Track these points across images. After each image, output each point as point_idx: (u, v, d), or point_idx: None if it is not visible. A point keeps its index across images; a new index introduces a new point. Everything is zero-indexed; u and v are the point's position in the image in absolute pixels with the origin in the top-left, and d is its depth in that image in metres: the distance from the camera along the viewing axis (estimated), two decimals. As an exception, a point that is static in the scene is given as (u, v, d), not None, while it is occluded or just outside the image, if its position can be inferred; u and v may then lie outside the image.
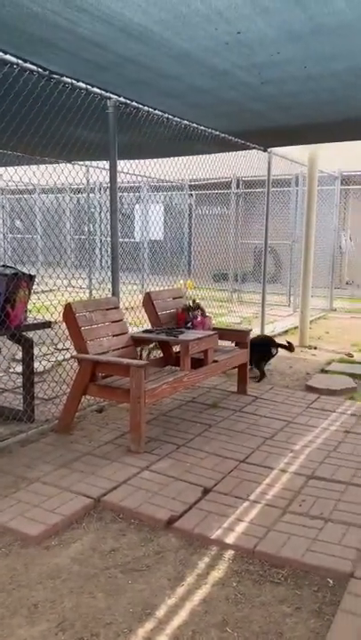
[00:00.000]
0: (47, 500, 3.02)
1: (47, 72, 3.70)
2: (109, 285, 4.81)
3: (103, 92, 4.18)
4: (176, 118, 5.04)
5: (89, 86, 4.04)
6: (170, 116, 4.94)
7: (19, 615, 2.20)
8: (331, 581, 2.40)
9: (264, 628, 2.14)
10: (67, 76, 3.84)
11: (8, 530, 2.75)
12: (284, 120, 5.31)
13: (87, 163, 9.45)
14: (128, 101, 4.41)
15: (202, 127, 5.49)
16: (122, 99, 4.34)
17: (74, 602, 2.28)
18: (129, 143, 5.11)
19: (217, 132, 5.79)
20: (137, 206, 13.38)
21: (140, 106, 4.57)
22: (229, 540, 2.67)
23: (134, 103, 4.50)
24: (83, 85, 4.00)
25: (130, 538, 2.75)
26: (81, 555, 2.61)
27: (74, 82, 3.92)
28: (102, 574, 2.47)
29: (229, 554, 2.61)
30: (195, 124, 5.34)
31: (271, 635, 2.10)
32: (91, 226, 12.66)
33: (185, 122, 5.19)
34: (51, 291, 9.36)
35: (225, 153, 7.70)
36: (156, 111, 4.78)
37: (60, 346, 6.09)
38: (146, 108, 4.65)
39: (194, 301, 5.12)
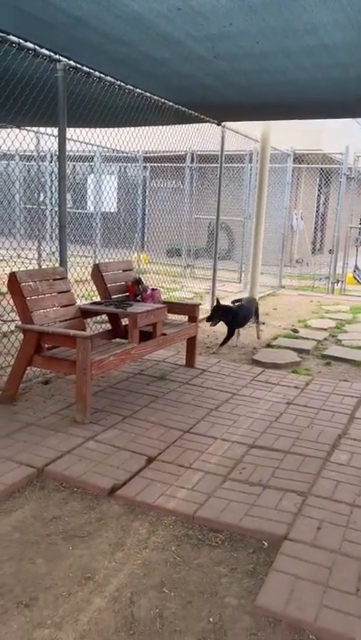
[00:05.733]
0: (-11, 469, 2.99)
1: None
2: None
3: (52, 54, 4.04)
4: (129, 86, 4.92)
5: (37, 47, 3.88)
6: (122, 84, 4.83)
7: None
8: (266, 544, 2.51)
9: (200, 588, 2.22)
10: (13, 35, 3.68)
11: None
12: (237, 97, 5.29)
13: (38, 129, 9.15)
14: (79, 65, 4.27)
15: (155, 97, 5.40)
16: (72, 62, 4.20)
17: (14, 568, 2.30)
18: (79, 110, 4.96)
19: (171, 104, 5.71)
20: (90, 176, 13.09)
21: (92, 71, 4.44)
22: (170, 506, 2.74)
23: (85, 68, 4.36)
24: (31, 46, 3.84)
25: (72, 506, 2.78)
26: (22, 523, 2.61)
27: (21, 41, 3.75)
28: (43, 541, 2.49)
29: (170, 519, 2.68)
30: (148, 94, 5.24)
31: (207, 594, 2.19)
32: (42, 195, 12.32)
33: (138, 90, 5.09)
34: (2, 260, 9.10)
35: (180, 126, 7.63)
36: (108, 77, 4.66)
37: (5, 317, 5.96)
38: (97, 73, 4.52)
39: (139, 278, 5.11)
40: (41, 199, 11.92)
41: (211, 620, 2.05)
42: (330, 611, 2.05)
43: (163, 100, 5.55)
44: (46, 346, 4.02)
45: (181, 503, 2.76)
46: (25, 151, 11.01)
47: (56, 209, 12.13)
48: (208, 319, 5.65)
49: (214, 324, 5.71)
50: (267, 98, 5.25)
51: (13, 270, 3.99)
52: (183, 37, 3.61)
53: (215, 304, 5.84)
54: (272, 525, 2.59)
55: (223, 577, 2.29)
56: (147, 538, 2.54)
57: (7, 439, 3.38)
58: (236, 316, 5.83)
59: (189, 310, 5.20)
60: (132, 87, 4.98)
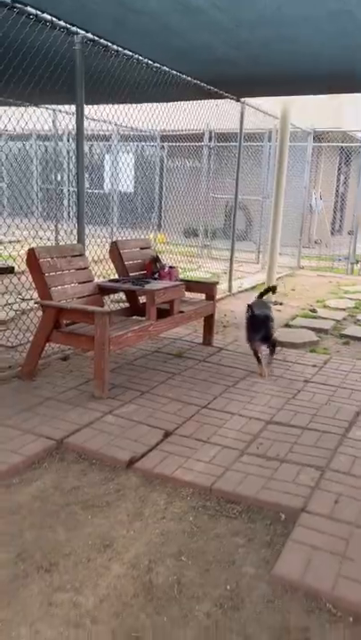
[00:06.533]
0: (9, 441, 3.04)
1: (9, 0, 3.50)
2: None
3: (70, 27, 3.99)
4: (147, 60, 4.85)
5: (54, 19, 3.84)
6: (140, 57, 4.76)
7: (-21, 547, 2.24)
8: (283, 516, 2.52)
9: (217, 557, 2.24)
10: (31, 6, 3.64)
11: (-31, 469, 2.77)
12: (258, 70, 5.18)
13: (55, 107, 9.09)
14: (96, 38, 4.22)
15: (174, 71, 5.31)
16: (89, 35, 4.15)
17: (34, 535, 2.34)
18: (96, 85, 4.91)
19: (190, 79, 5.62)
20: (107, 156, 13.02)
21: (109, 44, 4.38)
22: (188, 478, 2.75)
23: (103, 41, 4.30)
24: (48, 17, 3.79)
25: (91, 477, 2.81)
26: (42, 492, 2.66)
27: (38, 13, 3.71)
28: (63, 510, 2.52)
29: (187, 491, 2.70)
30: (166, 68, 5.16)
31: (224, 563, 2.21)
32: (59, 175, 12.30)
33: (156, 64, 5.01)
34: (18, 241, 9.15)
35: (198, 103, 7.52)
36: (126, 51, 4.59)
37: (26, 296, 6.01)
38: (115, 46, 4.46)
39: (156, 256, 5.09)
40: (58, 179, 11.90)
41: (228, 587, 2.07)
42: (347, 580, 2.06)
43: (182, 75, 5.46)
44: (65, 322, 4.04)
45: (199, 476, 2.78)
46: (40, 130, 10.97)
47: (73, 188, 12.13)
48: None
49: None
50: (287, 70, 5.13)
51: (32, 246, 4.00)
52: (203, 3, 3.51)
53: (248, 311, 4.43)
54: (289, 498, 2.60)
55: (240, 547, 2.31)
56: (164, 508, 2.56)
57: (27, 412, 3.42)
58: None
59: (207, 288, 5.18)
60: (150, 61, 4.91)
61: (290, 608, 1.97)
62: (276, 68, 5.08)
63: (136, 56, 4.72)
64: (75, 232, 4.67)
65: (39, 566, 2.15)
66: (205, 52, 4.62)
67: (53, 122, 9.74)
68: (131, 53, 4.66)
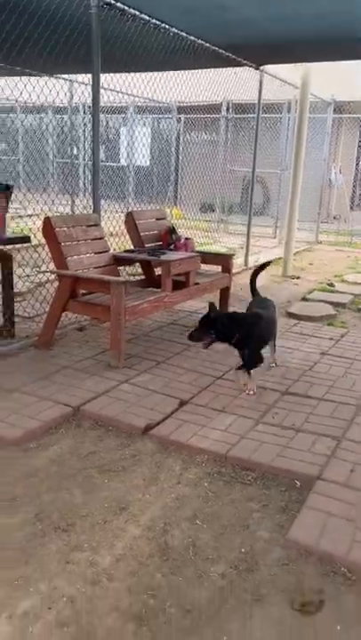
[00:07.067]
0: (26, 407, 3.07)
1: None
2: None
3: (86, -11, 3.90)
4: (164, 25, 4.73)
5: (70, -19, 3.75)
6: (157, 22, 4.64)
7: (-2, 508, 2.28)
8: (298, 483, 2.52)
9: (232, 521, 2.25)
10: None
11: (-12, 433, 2.81)
12: (278, 33, 5.03)
13: (73, 77, 8.95)
14: (112, 1, 4.11)
15: (192, 37, 5.18)
16: (106, -3, 4.05)
17: (51, 497, 2.37)
18: (113, 52, 4.81)
19: (208, 45, 5.48)
20: (123, 128, 12.86)
21: (126, 8, 4.27)
22: (203, 445, 2.76)
23: (119, 4, 4.20)
24: (63, -21, 3.71)
25: (107, 443, 2.84)
26: (59, 457, 2.69)
27: (54, -25, 3.63)
28: (79, 474, 2.56)
29: (202, 458, 2.71)
30: (184, 33, 5.04)
31: (238, 527, 2.22)
32: (75, 148, 12.18)
33: (174, 30, 4.89)
34: (35, 215, 9.13)
35: (216, 73, 7.37)
36: (143, 15, 4.48)
37: (43, 268, 6.01)
38: (132, 10, 4.35)
39: (172, 227, 5.04)
40: (75, 152, 11.80)
41: (242, 550, 2.09)
42: (362, 546, 2.06)
43: (199, 41, 5.33)
44: (81, 291, 4.04)
45: (214, 443, 2.78)
46: (54, 102, 10.83)
47: (89, 162, 12.02)
48: (190, 336, 3.49)
49: (205, 346, 3.44)
50: (307, 33, 4.96)
51: (47, 215, 3.99)
52: None
53: (207, 312, 3.40)
54: (305, 466, 2.59)
55: (255, 512, 2.32)
56: (180, 474, 2.58)
57: (44, 380, 3.45)
58: (249, 328, 3.40)
59: (223, 260, 5.13)
60: (167, 26, 4.79)
61: (304, 571, 1.98)
62: (297, 31, 4.92)
63: (153, 21, 4.60)
64: (91, 205, 4.63)
65: (56, 526, 2.18)
66: (226, 13, 4.47)
67: (70, 93, 9.61)
68: (148, 18, 4.55)
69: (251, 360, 3.39)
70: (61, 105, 11.29)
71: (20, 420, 2.91)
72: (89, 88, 4.34)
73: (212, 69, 7.16)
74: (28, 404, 3.11)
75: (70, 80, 9.15)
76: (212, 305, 3.45)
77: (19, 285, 4.34)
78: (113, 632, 1.70)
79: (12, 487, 2.41)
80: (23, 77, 7.23)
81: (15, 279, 4.27)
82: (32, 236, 4.22)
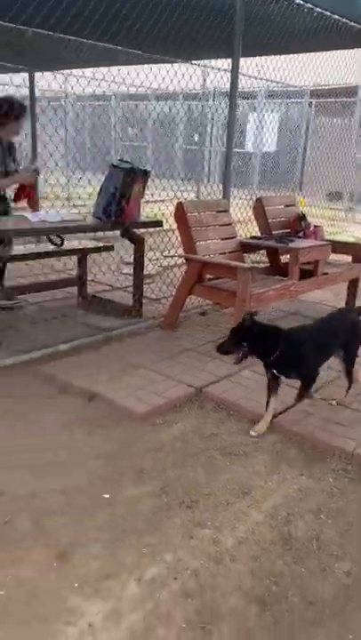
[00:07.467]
0: (152, 384, 3.19)
1: None
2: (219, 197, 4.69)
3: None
4: (309, 4, 4.57)
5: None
6: (301, 2, 4.49)
7: (126, 478, 2.40)
8: None
9: (358, 519, 2.18)
10: None
11: (119, 407, 2.96)
12: None
13: (207, 63, 8.98)
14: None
15: (336, 16, 4.95)
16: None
17: (176, 473, 2.45)
18: (254, 34, 4.74)
19: (352, 23, 5.21)
20: (251, 115, 12.71)
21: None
22: (329, 440, 2.69)
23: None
24: None
25: (229, 426, 2.86)
26: (183, 434, 2.77)
27: None
28: (202, 454, 2.61)
29: (328, 453, 2.64)
30: (328, 12, 4.82)
31: (365, 527, 2.14)
32: (202, 135, 12.28)
33: (318, 9, 4.70)
34: (163, 201, 9.41)
35: (349, 54, 7.01)
36: (286, -5, 4.36)
37: (172, 252, 6.18)
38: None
39: (302, 214, 4.91)
40: (202, 140, 11.91)
41: (369, 551, 2.01)
42: None
43: (343, 20, 5.08)
44: (207, 276, 4.09)
45: (341, 440, 2.69)
46: (184, 88, 10.97)
47: (219, 148, 12.04)
48: (219, 347, 2.80)
49: (237, 361, 2.80)
50: None
51: (180, 201, 4.07)
52: None
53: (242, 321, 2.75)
54: None
55: (383, 514, 2.22)
56: (302, 466, 2.54)
57: (169, 360, 3.56)
58: (292, 346, 2.72)
59: (354, 250, 4.90)
60: (311, 5, 4.62)
61: None
62: None
63: (298, 0, 4.46)
64: (215, 193, 4.65)
65: (181, 502, 2.25)
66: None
67: (202, 78, 9.69)
68: (290, -2, 4.42)
69: (310, 379, 2.87)
70: (190, 92, 11.42)
71: (147, 396, 3.04)
72: (221, 74, 4.33)
73: (347, 51, 6.82)
74: (154, 382, 3.23)
75: (205, 66, 9.20)
76: (249, 313, 2.77)
77: (148, 268, 4.50)
78: (236, 611, 1.73)
79: (141, 459, 2.53)
80: (154, 65, 7.39)
81: (145, 262, 4.44)
82: (163, 218, 4.35)
